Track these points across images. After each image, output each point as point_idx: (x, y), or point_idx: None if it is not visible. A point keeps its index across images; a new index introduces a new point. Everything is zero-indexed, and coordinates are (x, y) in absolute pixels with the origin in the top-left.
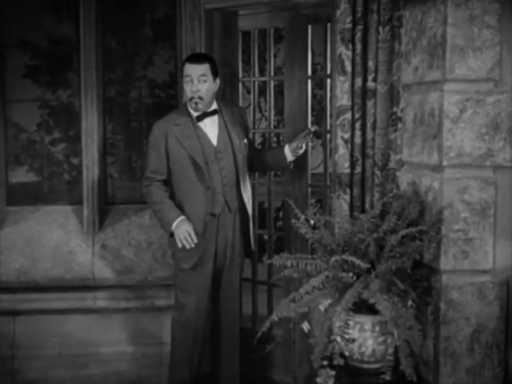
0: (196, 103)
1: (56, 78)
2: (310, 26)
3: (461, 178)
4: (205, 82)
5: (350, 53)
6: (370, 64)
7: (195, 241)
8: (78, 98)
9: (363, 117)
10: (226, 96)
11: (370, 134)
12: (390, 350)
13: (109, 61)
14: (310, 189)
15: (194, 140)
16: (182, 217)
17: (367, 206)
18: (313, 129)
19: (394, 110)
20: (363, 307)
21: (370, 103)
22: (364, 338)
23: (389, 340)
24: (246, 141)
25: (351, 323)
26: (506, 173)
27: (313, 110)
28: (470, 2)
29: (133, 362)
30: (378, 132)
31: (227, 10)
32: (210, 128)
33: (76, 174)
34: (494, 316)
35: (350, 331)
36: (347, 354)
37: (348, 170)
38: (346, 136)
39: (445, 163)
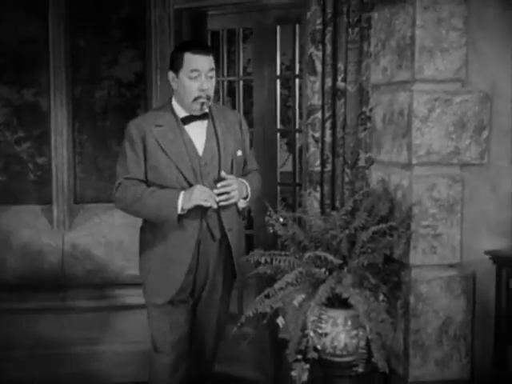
0: (203, 103)
1: (22, 77)
2: (278, 27)
3: (429, 175)
4: (212, 78)
5: (320, 53)
6: (340, 64)
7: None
8: (43, 97)
9: (333, 116)
10: None
11: (339, 133)
12: (362, 343)
13: (77, 60)
14: (279, 187)
15: (179, 146)
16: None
17: (337, 203)
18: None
19: (363, 109)
20: (336, 302)
21: (339, 103)
22: (337, 332)
23: (361, 333)
24: (239, 153)
25: (324, 318)
26: (472, 170)
27: (281, 109)
28: (438, 5)
29: (104, 360)
30: (348, 131)
31: (196, 10)
32: (197, 134)
33: (41, 174)
34: (462, 309)
35: (323, 325)
36: (320, 347)
37: (319, 168)
38: (317, 135)
39: (414, 161)
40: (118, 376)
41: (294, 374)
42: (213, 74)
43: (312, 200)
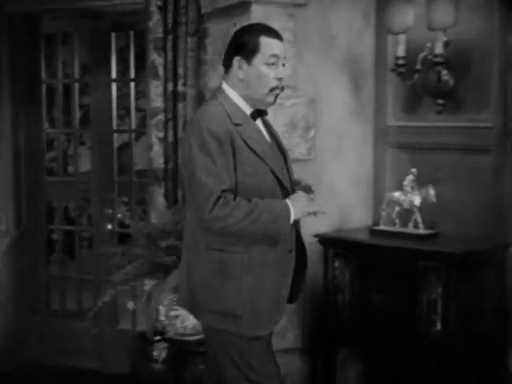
0: (276, 96)
1: None
2: (113, 33)
3: None
4: (284, 66)
5: (162, 60)
6: (180, 70)
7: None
8: None
9: (175, 118)
10: (29, 97)
11: (181, 133)
12: None
13: None
14: (116, 185)
15: (266, 147)
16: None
17: (180, 197)
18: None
19: None
20: None
21: (180, 105)
22: (186, 314)
23: None
24: None
25: (175, 301)
26: (302, 165)
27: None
28: (270, 20)
29: None
30: None
31: (29, 14)
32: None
33: None
34: None
35: (174, 308)
36: (172, 328)
37: (162, 166)
38: (160, 135)
39: None
40: None
41: (155, 353)
42: (285, 62)
43: (158, 195)
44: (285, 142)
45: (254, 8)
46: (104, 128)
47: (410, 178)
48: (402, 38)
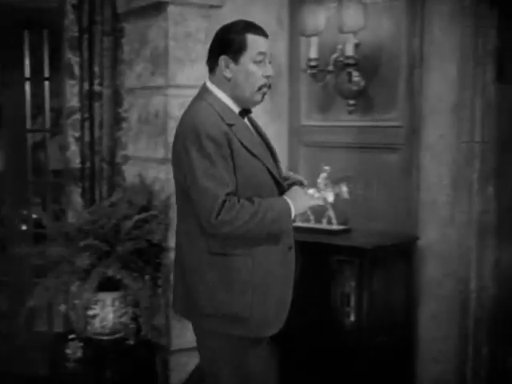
0: (264, 94)
1: None
2: (26, 31)
3: None
4: (270, 62)
5: (78, 59)
6: (96, 70)
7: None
8: None
9: (91, 117)
10: None
11: (97, 133)
12: (130, 320)
13: None
14: (31, 185)
15: (259, 147)
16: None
17: (97, 196)
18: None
19: (119, 111)
20: (107, 286)
21: (97, 105)
22: (105, 313)
23: (130, 311)
24: None
25: (94, 301)
26: None
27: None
28: (187, 21)
29: None
30: (105, 131)
31: None
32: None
33: None
34: None
35: (93, 307)
36: (90, 327)
37: (79, 165)
38: (77, 134)
39: (169, 157)
40: None
41: (68, 351)
42: (271, 59)
43: (75, 195)
44: None
45: (171, 9)
46: (17, 127)
47: (324, 175)
48: (314, 40)
